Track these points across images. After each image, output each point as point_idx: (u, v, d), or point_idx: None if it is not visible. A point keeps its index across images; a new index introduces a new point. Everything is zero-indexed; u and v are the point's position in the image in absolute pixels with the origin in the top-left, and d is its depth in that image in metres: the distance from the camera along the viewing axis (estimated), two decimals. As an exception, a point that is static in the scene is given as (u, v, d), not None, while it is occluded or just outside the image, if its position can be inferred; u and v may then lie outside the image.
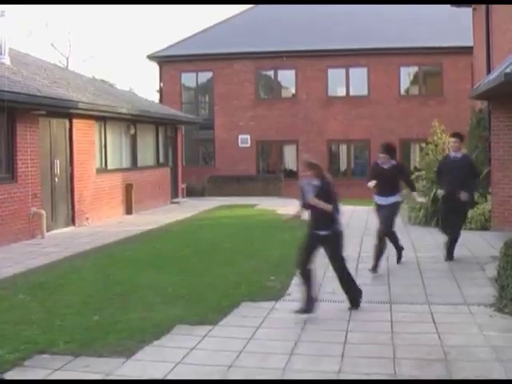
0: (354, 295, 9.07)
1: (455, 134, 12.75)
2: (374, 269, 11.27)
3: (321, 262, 12.66)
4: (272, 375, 6.44)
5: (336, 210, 8.80)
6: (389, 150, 11.79)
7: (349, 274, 9.17)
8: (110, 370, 6.60)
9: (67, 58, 57.09)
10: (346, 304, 9.13)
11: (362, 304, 9.11)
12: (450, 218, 12.42)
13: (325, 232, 8.78)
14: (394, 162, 11.80)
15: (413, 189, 12.57)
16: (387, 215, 11.62)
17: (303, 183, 8.97)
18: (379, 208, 11.81)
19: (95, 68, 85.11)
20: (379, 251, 11.44)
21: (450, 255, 12.38)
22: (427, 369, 6.55)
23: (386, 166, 11.66)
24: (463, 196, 12.00)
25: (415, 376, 6.35)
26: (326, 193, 8.74)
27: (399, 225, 17.20)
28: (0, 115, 15.36)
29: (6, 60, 18.64)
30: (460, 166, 12.24)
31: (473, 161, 13.37)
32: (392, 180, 11.62)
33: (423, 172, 19.97)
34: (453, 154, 12.59)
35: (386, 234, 11.66)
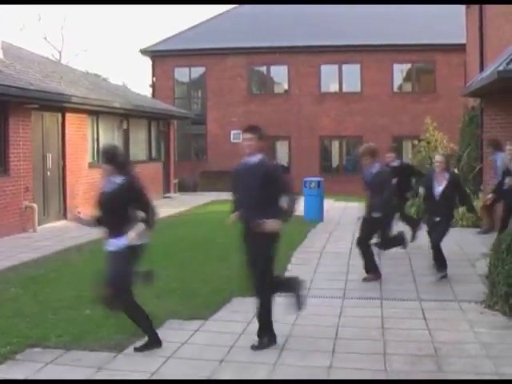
0: None
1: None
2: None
3: (313, 256, 12.70)
4: (263, 370, 6.46)
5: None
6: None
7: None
8: (101, 364, 6.62)
9: (60, 52, 56.93)
10: (338, 299, 9.17)
11: (353, 300, 9.14)
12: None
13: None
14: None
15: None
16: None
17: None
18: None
19: (88, 62, 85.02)
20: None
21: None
22: (418, 364, 6.59)
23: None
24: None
25: (406, 371, 6.38)
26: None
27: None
28: (-8, 109, 15.36)
29: (0, 53, 18.59)
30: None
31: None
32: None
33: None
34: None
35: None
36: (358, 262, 11.40)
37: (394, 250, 12.06)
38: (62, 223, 18.15)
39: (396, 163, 14.16)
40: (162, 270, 11.39)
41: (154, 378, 6.29)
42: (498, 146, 15.12)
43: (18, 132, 16.25)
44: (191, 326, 7.97)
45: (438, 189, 10.56)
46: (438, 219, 10.66)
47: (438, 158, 10.96)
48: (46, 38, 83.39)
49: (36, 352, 7.01)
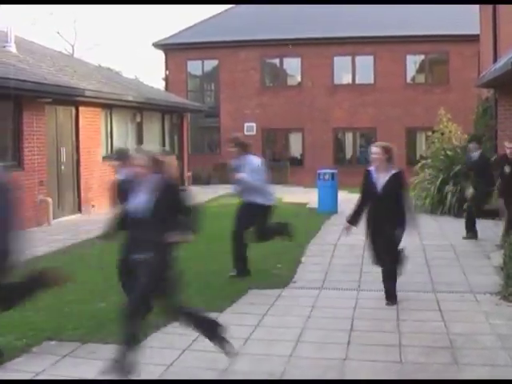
0: None
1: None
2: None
3: (327, 248, 12.70)
4: (279, 362, 6.47)
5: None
6: None
7: None
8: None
9: (73, 46, 57.08)
10: (353, 291, 9.17)
11: (368, 292, 9.14)
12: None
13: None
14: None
15: None
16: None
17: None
18: None
19: (101, 56, 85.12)
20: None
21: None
22: (433, 356, 6.58)
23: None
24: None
25: (421, 363, 6.38)
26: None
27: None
28: (6, 103, 15.39)
29: (12, 48, 18.65)
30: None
31: None
32: None
33: (429, 160, 19.94)
34: None
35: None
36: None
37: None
38: (76, 217, 18.22)
39: None
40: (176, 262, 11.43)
41: (169, 370, 6.31)
42: None
43: (32, 126, 16.30)
44: (207, 319, 7.98)
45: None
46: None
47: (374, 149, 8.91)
48: (58, 32, 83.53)
49: (52, 345, 7.04)
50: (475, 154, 13.68)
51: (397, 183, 8.70)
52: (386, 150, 8.76)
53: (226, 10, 36.89)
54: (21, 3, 26.58)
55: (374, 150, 8.82)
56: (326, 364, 6.39)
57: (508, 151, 12.20)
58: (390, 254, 8.69)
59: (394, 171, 8.70)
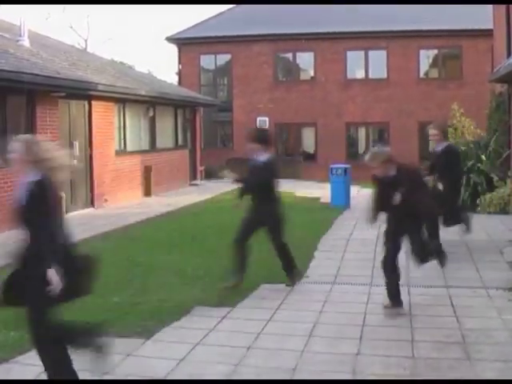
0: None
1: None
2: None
3: (340, 243, 12.69)
4: (291, 356, 6.47)
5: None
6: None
7: None
8: (130, 351, 6.66)
9: (86, 40, 57.08)
10: (365, 286, 9.17)
11: (381, 287, 9.12)
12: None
13: None
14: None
15: None
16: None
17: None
18: None
19: (114, 50, 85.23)
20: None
21: None
22: (446, 351, 6.57)
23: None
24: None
25: (434, 358, 6.37)
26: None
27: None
28: (20, 97, 15.44)
29: (26, 42, 18.70)
30: None
31: None
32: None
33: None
34: None
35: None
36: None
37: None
38: (89, 211, 18.27)
39: None
40: (188, 257, 11.47)
41: (181, 364, 6.33)
42: None
43: (46, 120, 16.34)
44: (219, 313, 8.00)
45: None
46: None
47: None
48: (71, 27, 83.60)
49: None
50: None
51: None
52: None
53: (238, 5, 36.82)
54: (31, 3, 26.61)
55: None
56: (338, 359, 6.39)
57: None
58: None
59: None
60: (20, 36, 18.73)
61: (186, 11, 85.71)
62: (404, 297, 8.48)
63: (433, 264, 10.60)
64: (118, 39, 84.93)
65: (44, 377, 5.59)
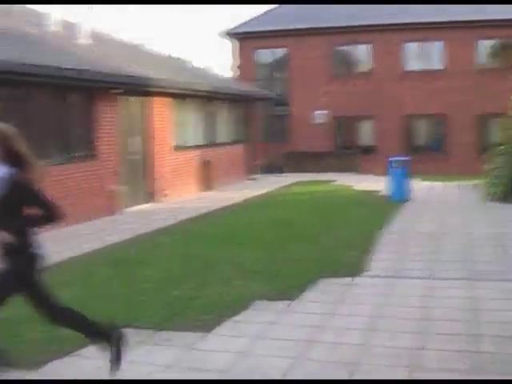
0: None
1: None
2: None
3: (400, 236, 12.58)
4: (350, 350, 6.43)
5: None
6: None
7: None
8: (191, 344, 6.69)
9: (142, 37, 57.55)
10: (427, 280, 9.06)
11: (443, 280, 9.00)
12: None
13: None
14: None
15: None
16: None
17: None
18: None
19: (169, 46, 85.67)
20: None
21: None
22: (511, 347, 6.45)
23: None
24: None
25: (499, 353, 6.23)
26: None
27: (476, 202, 17.00)
28: (81, 94, 15.66)
29: (85, 40, 18.94)
30: None
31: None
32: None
33: (502, 147, 19.50)
34: None
35: None
36: (447, 242, 11.26)
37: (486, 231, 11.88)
38: (148, 205, 18.44)
39: None
40: (246, 251, 11.49)
41: (241, 358, 6.32)
42: None
43: (106, 117, 16.54)
44: (278, 307, 7.99)
45: None
46: None
47: None
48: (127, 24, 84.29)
49: (128, 332, 7.12)
50: None
51: None
52: None
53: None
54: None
55: None
56: (398, 353, 6.31)
57: None
58: None
59: None
60: (79, 34, 18.98)
61: (238, 5, 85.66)
62: (467, 291, 8.37)
63: (496, 257, 10.46)
64: (172, 35, 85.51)
65: (104, 371, 5.64)
